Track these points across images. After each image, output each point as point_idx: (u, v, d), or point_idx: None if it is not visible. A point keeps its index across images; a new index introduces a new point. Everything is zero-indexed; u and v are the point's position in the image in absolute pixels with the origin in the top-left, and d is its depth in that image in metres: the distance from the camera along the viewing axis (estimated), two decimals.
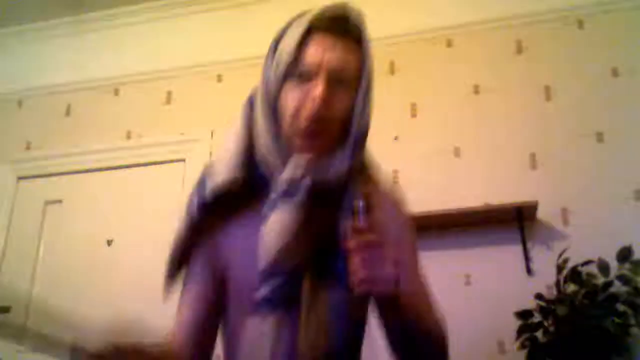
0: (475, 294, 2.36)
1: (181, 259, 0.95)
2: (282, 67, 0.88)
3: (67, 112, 3.28)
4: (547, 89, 2.62)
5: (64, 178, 3.13)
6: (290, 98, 0.87)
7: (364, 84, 0.91)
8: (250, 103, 0.96)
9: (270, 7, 3.14)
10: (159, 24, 3.27)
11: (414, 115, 2.71)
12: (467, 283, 2.39)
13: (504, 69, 2.70)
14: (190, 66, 3.16)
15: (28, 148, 3.25)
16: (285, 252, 0.83)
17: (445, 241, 2.45)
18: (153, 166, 3.03)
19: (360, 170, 0.93)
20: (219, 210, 0.91)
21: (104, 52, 3.32)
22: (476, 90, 2.70)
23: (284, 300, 0.84)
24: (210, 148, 2.96)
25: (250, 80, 3.36)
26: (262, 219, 0.86)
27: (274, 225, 0.84)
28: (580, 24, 2.69)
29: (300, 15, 0.92)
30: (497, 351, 2.26)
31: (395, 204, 0.99)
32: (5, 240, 3.06)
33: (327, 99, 0.85)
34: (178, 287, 0.97)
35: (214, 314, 0.93)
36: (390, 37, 2.88)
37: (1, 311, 2.85)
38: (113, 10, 3.30)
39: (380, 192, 0.94)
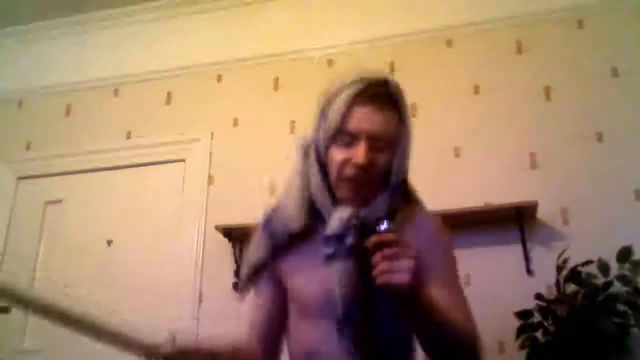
0: (475, 294, 2.34)
1: (255, 276, 1.18)
2: (331, 129, 1.06)
3: (67, 112, 3.28)
4: (547, 89, 2.62)
5: (64, 178, 3.13)
6: (338, 155, 1.06)
7: (401, 145, 1.09)
8: (303, 152, 1.16)
9: (270, 7, 3.14)
10: (159, 24, 3.27)
11: (414, 115, 2.71)
12: (467, 283, 2.39)
13: (504, 69, 2.70)
14: (190, 66, 3.16)
15: (28, 148, 3.25)
16: (352, 293, 1.02)
17: None
18: (153, 166, 3.02)
19: (399, 206, 1.12)
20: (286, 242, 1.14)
21: (104, 52, 3.33)
22: (476, 90, 2.70)
23: (355, 325, 1.03)
24: (210, 148, 2.96)
25: (250, 81, 3.36)
26: (323, 257, 1.05)
27: (339, 271, 1.03)
28: (580, 24, 2.69)
29: (348, 84, 1.09)
30: (497, 351, 2.26)
31: (432, 224, 1.17)
32: (5, 240, 3.06)
33: (367, 161, 1.03)
34: (249, 295, 1.21)
35: (279, 317, 1.17)
36: (390, 37, 2.88)
37: (1, 311, 2.86)
38: (113, 10, 3.30)
39: (417, 214, 1.14)
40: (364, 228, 1.01)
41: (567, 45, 2.67)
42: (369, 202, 1.07)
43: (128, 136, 3.12)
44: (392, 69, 2.80)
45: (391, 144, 1.07)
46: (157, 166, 3.02)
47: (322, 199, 1.09)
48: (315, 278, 1.07)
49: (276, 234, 1.14)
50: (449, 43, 2.83)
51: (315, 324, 1.08)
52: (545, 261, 2.30)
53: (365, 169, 1.03)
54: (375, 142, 1.04)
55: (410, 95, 2.99)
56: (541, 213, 2.38)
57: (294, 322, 1.14)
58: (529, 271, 2.33)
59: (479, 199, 2.44)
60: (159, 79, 3.18)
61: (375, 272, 0.84)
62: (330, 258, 1.04)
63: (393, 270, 0.83)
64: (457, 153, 2.61)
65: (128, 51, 3.29)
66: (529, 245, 2.37)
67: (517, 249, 2.37)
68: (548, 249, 2.35)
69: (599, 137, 2.48)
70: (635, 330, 2.05)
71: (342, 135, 1.05)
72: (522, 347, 2.10)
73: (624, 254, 2.16)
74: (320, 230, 1.08)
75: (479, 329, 1.04)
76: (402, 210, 1.11)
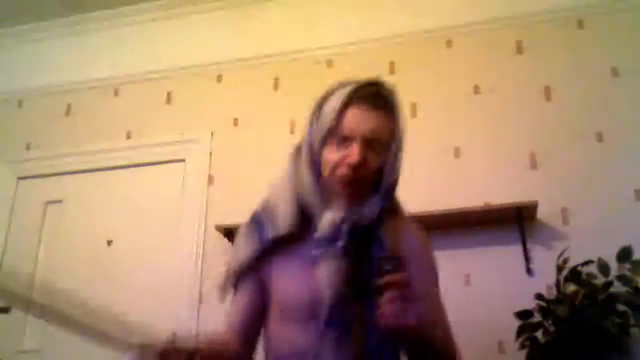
0: (475, 294, 2.36)
1: (240, 275, 1.17)
2: (325, 129, 1.06)
3: (67, 112, 3.28)
4: (547, 89, 2.62)
5: (64, 178, 3.13)
6: (331, 155, 1.06)
7: (394, 147, 1.09)
8: (294, 154, 1.15)
9: (270, 7, 3.14)
10: (158, 24, 3.27)
11: (414, 115, 2.71)
12: (467, 283, 2.39)
13: (504, 69, 2.70)
14: (190, 66, 3.16)
15: (28, 148, 3.25)
16: (339, 295, 1.00)
17: (445, 241, 2.44)
18: (153, 166, 3.02)
19: (389, 210, 1.11)
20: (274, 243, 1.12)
21: (104, 52, 3.33)
22: (476, 90, 2.70)
23: (340, 326, 1.01)
24: (210, 148, 2.96)
25: (250, 81, 3.36)
26: (313, 258, 1.04)
27: (327, 272, 1.01)
28: (580, 24, 2.69)
29: (341, 85, 1.10)
30: (497, 351, 2.26)
31: (419, 238, 1.17)
32: (5, 240, 3.06)
33: (361, 160, 1.02)
34: (229, 295, 1.19)
35: (258, 318, 1.15)
36: (390, 37, 2.88)
37: (1, 311, 2.86)
38: (113, 10, 3.30)
39: (405, 226, 1.14)
40: (356, 231, 1.01)
41: (567, 45, 2.67)
42: (361, 204, 1.05)
43: (128, 136, 3.12)
44: (392, 69, 2.80)
45: (384, 145, 1.07)
46: (157, 166, 3.02)
47: (313, 200, 1.08)
48: (302, 280, 1.06)
49: (265, 234, 1.12)
50: (449, 43, 2.83)
51: (300, 325, 1.06)
52: (545, 261, 2.30)
53: (358, 169, 1.02)
54: (369, 143, 1.04)
55: (410, 95, 3.02)
56: (541, 213, 2.38)
57: (277, 325, 1.12)
58: (529, 271, 2.33)
59: (479, 199, 2.44)
60: (159, 79, 3.18)
61: (381, 315, 0.85)
62: (319, 259, 1.03)
63: (399, 315, 0.85)
64: (457, 153, 2.61)
65: (128, 51, 3.29)
66: (529, 245, 2.37)
67: (517, 249, 2.37)
68: (548, 249, 2.35)
69: (599, 137, 2.48)
70: (635, 330, 2.05)
71: (335, 135, 1.05)
72: (522, 347, 2.10)
73: (624, 254, 2.16)
74: (308, 233, 1.07)
75: (455, 342, 1.08)
76: (389, 218, 1.10)
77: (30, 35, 3.44)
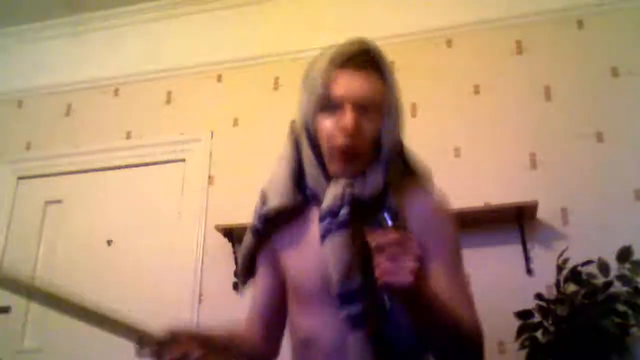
0: (475, 294, 2.34)
1: (250, 265, 1.16)
2: (314, 97, 1.02)
3: (67, 112, 3.28)
4: (547, 89, 2.62)
5: (64, 178, 3.13)
6: (324, 128, 1.01)
7: (389, 108, 1.03)
8: (291, 133, 1.12)
9: (269, 7, 3.14)
10: (159, 24, 3.27)
11: (414, 115, 2.71)
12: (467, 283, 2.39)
13: (504, 69, 2.70)
14: (190, 66, 3.16)
15: (28, 148, 3.25)
16: (347, 273, 0.96)
17: None
18: (153, 166, 3.02)
19: (398, 180, 1.05)
20: (276, 223, 1.09)
21: (104, 52, 3.33)
22: (476, 90, 2.70)
23: (355, 303, 0.95)
24: (210, 148, 2.96)
25: (250, 81, 3.36)
26: (320, 233, 0.99)
27: (333, 245, 0.97)
28: (580, 24, 2.69)
29: (323, 54, 1.06)
30: (497, 351, 2.26)
31: (434, 206, 1.09)
32: (5, 240, 3.06)
33: (354, 126, 0.97)
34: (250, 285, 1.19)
35: (279, 303, 1.13)
36: (390, 37, 2.87)
37: (1, 311, 2.86)
38: (113, 10, 3.30)
39: (417, 190, 1.07)
40: (360, 200, 0.98)
41: (567, 45, 2.67)
42: (362, 174, 1.01)
43: (128, 136, 3.12)
44: (392, 69, 2.80)
45: (378, 108, 1.01)
46: (157, 166, 3.02)
47: (314, 175, 1.04)
48: (311, 260, 1.02)
49: (266, 213, 1.09)
50: (449, 43, 2.83)
51: (313, 309, 1.02)
52: (545, 261, 2.30)
53: (353, 136, 0.97)
54: (362, 107, 0.99)
55: (410, 95, 3.00)
56: (541, 213, 2.38)
57: (294, 308, 1.08)
58: (529, 271, 2.33)
59: (479, 199, 2.44)
60: (159, 79, 3.18)
61: (377, 273, 0.79)
62: (325, 235, 0.98)
63: (395, 271, 0.78)
64: (457, 153, 2.61)
65: (128, 51, 3.29)
66: (529, 245, 2.37)
67: (517, 249, 2.37)
68: (548, 249, 2.35)
69: (599, 137, 2.48)
70: (635, 330, 2.05)
71: (326, 103, 1.00)
72: (522, 347, 2.10)
73: (624, 254, 2.16)
74: (315, 211, 1.04)
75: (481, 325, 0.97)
76: (398, 184, 1.04)
77: (30, 35, 3.44)
